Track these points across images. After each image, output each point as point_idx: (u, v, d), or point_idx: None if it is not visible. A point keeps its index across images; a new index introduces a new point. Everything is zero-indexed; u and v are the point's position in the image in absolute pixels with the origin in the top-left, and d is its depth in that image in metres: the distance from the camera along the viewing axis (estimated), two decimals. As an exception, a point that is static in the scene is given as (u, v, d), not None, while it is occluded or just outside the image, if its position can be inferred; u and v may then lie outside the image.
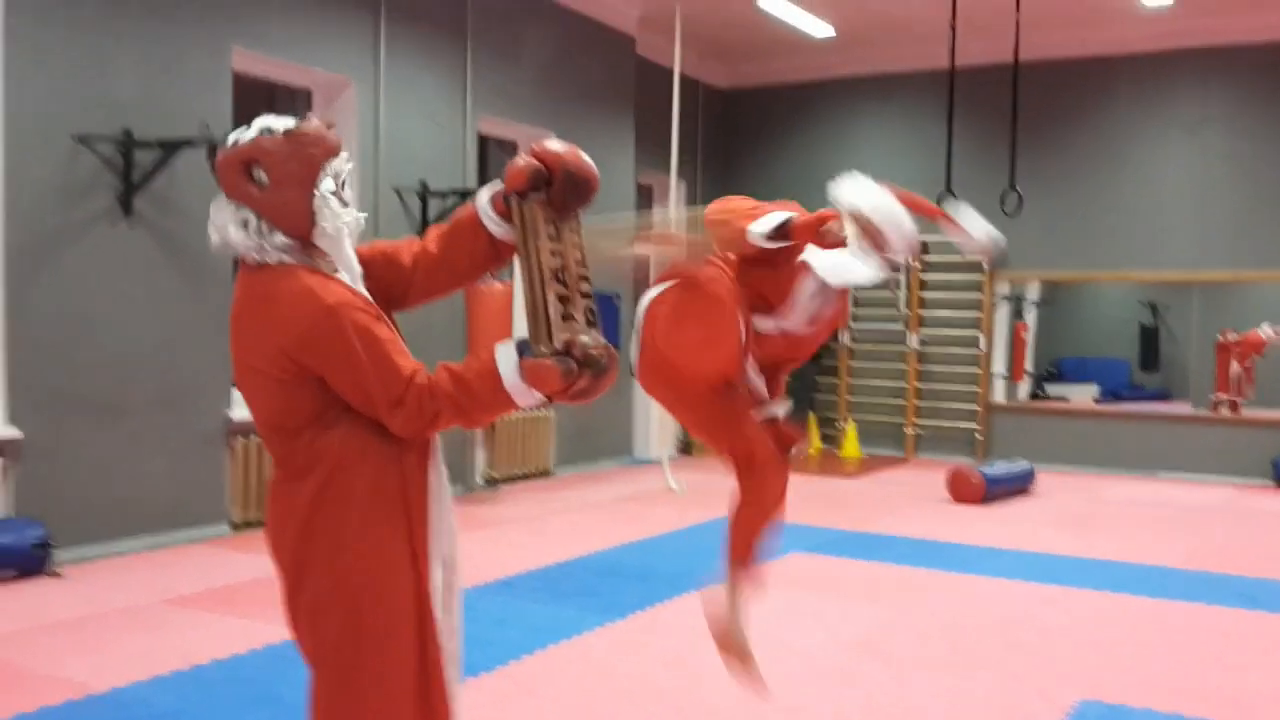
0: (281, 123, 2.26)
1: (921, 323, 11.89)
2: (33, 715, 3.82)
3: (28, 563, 5.61)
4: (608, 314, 10.73)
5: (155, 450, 6.55)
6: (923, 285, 11.88)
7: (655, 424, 10.63)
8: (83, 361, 6.18)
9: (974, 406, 11.63)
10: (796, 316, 3.35)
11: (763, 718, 3.97)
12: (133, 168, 6.33)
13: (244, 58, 7.16)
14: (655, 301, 3.35)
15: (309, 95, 8.03)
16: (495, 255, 2.45)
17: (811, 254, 3.32)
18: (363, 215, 2.35)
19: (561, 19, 9.83)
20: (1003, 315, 12.05)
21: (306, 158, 2.23)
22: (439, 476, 2.41)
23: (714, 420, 3.36)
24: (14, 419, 5.85)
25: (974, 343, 11.63)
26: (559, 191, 2.32)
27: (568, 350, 2.20)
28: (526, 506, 8.34)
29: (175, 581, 5.74)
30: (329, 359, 2.17)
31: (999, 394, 11.94)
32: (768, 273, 3.34)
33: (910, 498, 9.14)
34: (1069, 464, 11.08)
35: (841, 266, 3.25)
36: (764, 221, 3.27)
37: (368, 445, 2.24)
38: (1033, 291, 12.76)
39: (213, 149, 6.16)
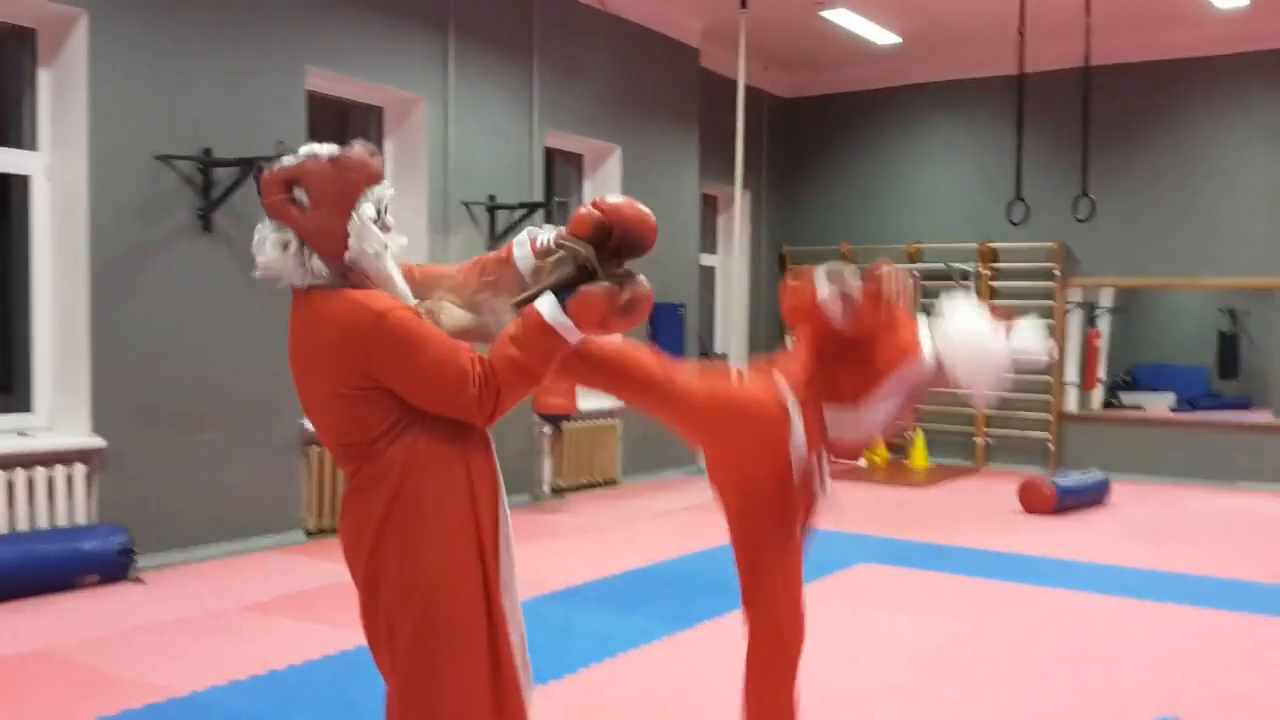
0: (327, 149, 2.34)
1: (991, 331, 11.72)
2: (115, 718, 3.94)
3: (111, 569, 5.78)
4: (673, 322, 10.74)
5: (234, 459, 6.72)
6: (993, 293, 11.73)
7: (721, 434, 10.60)
8: (164, 373, 6.37)
9: (1046, 415, 11.45)
10: (878, 413, 3.10)
11: (831, 729, 3.96)
12: (212, 186, 6.52)
13: (318, 78, 7.34)
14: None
15: (380, 113, 8.19)
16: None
17: (924, 335, 3.15)
18: (404, 240, 2.42)
19: (625, 33, 9.91)
20: (1075, 322, 11.86)
21: (347, 181, 2.29)
22: (499, 478, 2.47)
23: (752, 554, 3.22)
24: (98, 429, 6.05)
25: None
26: (616, 246, 2.39)
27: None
28: (593, 515, 8.40)
29: (253, 588, 5.88)
30: (392, 362, 2.23)
31: (1071, 403, 11.74)
32: (847, 364, 3.13)
33: (980, 508, 9.03)
34: (1144, 474, 10.86)
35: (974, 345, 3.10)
36: (829, 285, 3.09)
37: (434, 450, 2.30)
38: (1106, 298, 12.53)
39: (259, 170, 6.34)
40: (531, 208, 8.62)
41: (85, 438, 6.00)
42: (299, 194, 2.28)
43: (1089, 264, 11.33)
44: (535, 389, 2.36)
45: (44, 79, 6.14)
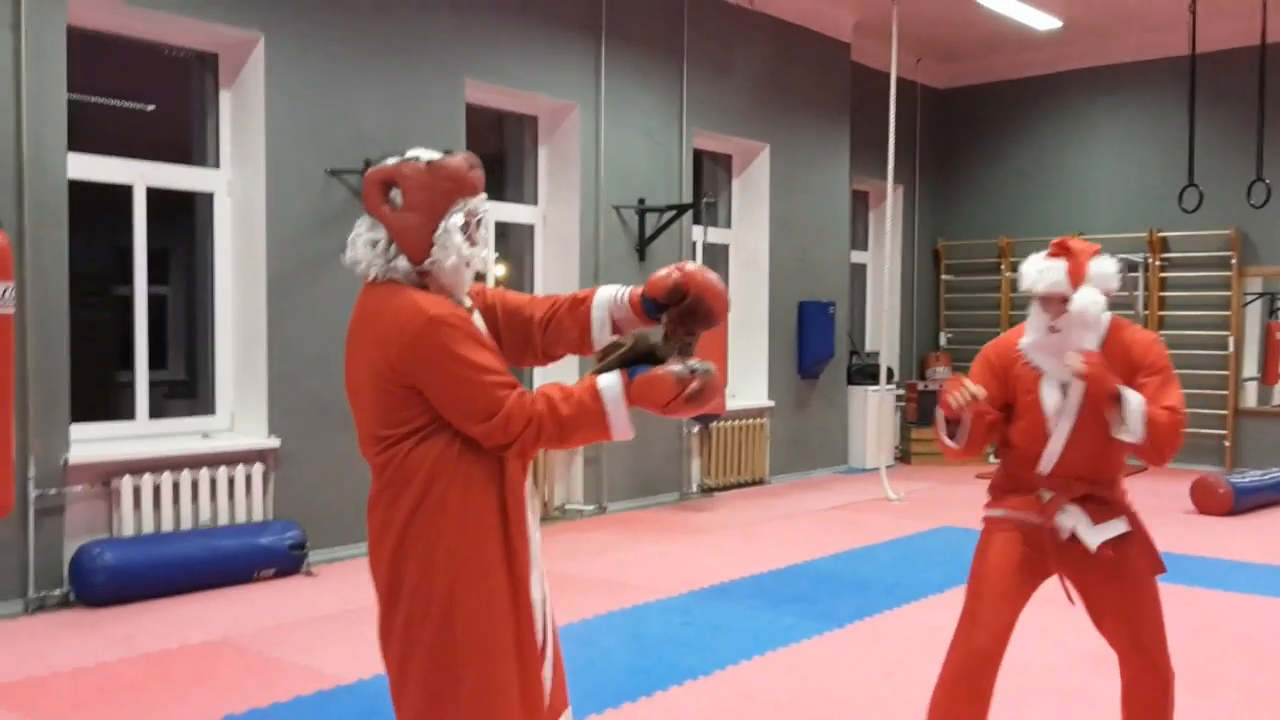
0: (429, 154, 2.39)
1: (1161, 324, 11.24)
2: (287, 704, 4.19)
3: (285, 562, 6.13)
4: (823, 321, 10.69)
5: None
6: (1163, 285, 11.24)
7: (872, 432, 10.51)
8: (335, 377, 6.65)
9: (1221, 411, 10.89)
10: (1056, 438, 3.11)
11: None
12: (377, 197, 6.81)
13: (476, 89, 7.60)
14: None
15: (535, 122, 8.41)
16: (586, 348, 2.53)
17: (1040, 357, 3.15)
18: (487, 255, 2.43)
19: (775, 30, 9.89)
20: (1254, 314, 11.23)
21: (440, 189, 2.33)
22: (531, 493, 2.48)
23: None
24: (274, 430, 6.42)
25: (1221, 344, 10.90)
26: (687, 310, 2.39)
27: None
28: (742, 513, 8.43)
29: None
30: (426, 368, 2.25)
31: (1250, 398, 11.13)
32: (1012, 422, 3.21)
33: (1151, 508, 8.56)
34: (1333, 474, 10.21)
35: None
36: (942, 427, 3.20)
37: (464, 458, 2.30)
38: (1288, 288, 11.83)
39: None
40: (680, 209, 8.71)
41: (262, 439, 6.38)
42: (394, 194, 2.36)
43: (1268, 252, 10.72)
44: (576, 446, 2.38)
45: (225, 100, 6.56)
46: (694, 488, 9.29)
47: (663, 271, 2.41)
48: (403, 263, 2.35)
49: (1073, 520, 3.07)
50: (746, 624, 5.31)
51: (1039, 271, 3.10)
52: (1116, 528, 3.08)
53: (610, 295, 2.49)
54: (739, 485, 9.65)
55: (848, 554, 6.97)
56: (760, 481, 9.92)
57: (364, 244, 2.37)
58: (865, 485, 9.78)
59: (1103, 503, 3.10)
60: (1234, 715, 4.11)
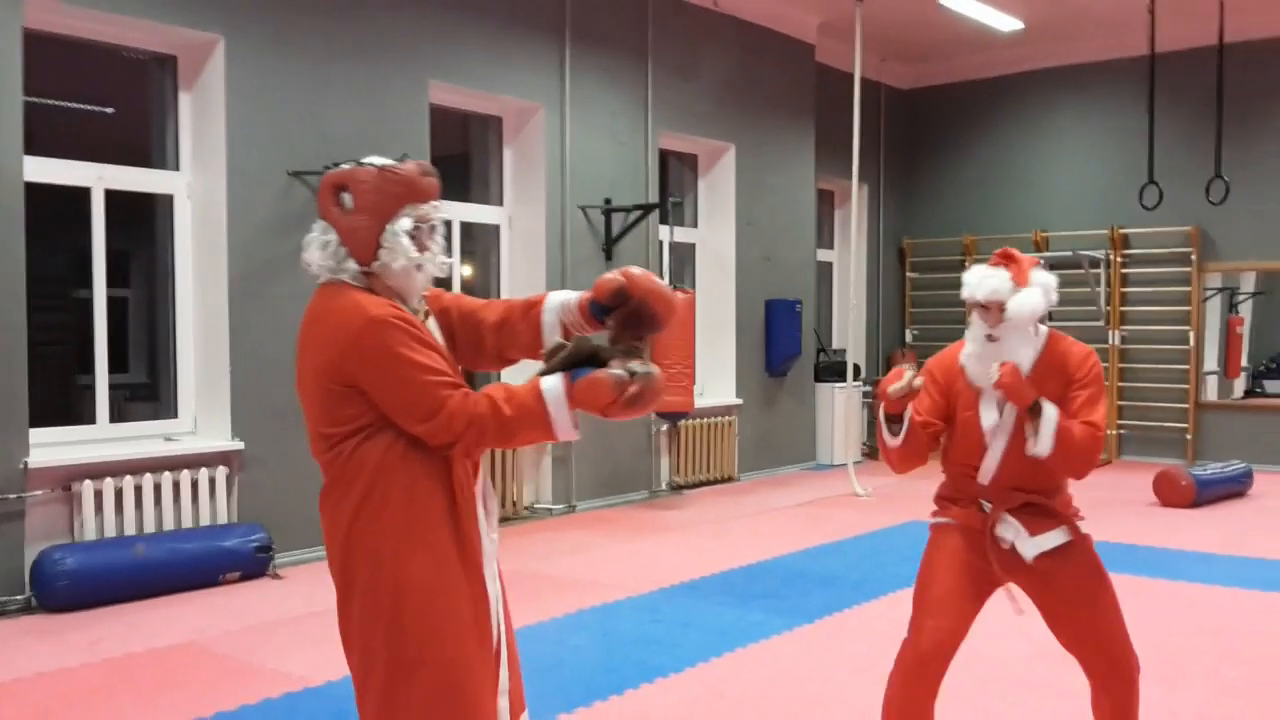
0: (383, 160, 2.44)
1: (1123, 320, 11.37)
2: (255, 706, 4.15)
3: (251, 565, 6.08)
4: (790, 319, 10.74)
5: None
6: (1124, 281, 11.36)
7: (840, 429, 10.56)
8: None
9: (1183, 405, 11.03)
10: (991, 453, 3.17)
11: (951, 723, 3.92)
12: (339, 198, 6.77)
13: (440, 90, 7.57)
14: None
15: (500, 123, 8.39)
16: (538, 352, 2.56)
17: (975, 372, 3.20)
18: (445, 261, 2.50)
19: (740, 31, 9.92)
20: (1214, 309, 11.38)
21: (388, 193, 2.38)
22: (486, 488, 2.52)
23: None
24: (238, 433, 6.36)
25: (1182, 339, 11.04)
26: (630, 313, 2.45)
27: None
28: (711, 511, 8.44)
29: (384, 584, 6.09)
30: (367, 367, 2.30)
31: (1210, 392, 11.28)
32: (950, 440, 3.27)
33: (1115, 501, 8.76)
34: (1291, 466, 10.39)
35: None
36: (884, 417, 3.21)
37: (409, 456, 2.34)
38: (1248, 283, 11.99)
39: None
40: (646, 209, 8.72)
41: (226, 441, 6.32)
42: (345, 197, 2.40)
43: (1228, 248, 10.87)
44: (520, 446, 2.39)
45: (185, 102, 6.50)
46: (663, 485, 9.30)
47: (608, 275, 2.47)
48: (351, 264, 2.40)
49: (1011, 532, 3.12)
50: (716, 621, 5.31)
51: (980, 279, 3.15)
52: (1055, 539, 3.11)
53: (561, 300, 2.55)
54: (708, 483, 9.67)
55: (816, 550, 7.00)
56: (729, 479, 9.94)
57: (316, 246, 2.43)
58: (833, 481, 9.82)
59: (1043, 512, 3.14)
60: (1201, 707, 4.15)
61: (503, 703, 2.48)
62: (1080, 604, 3.11)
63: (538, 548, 7.04)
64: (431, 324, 2.50)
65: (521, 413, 2.33)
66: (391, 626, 2.33)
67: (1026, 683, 4.39)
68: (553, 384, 2.36)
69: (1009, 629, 4.68)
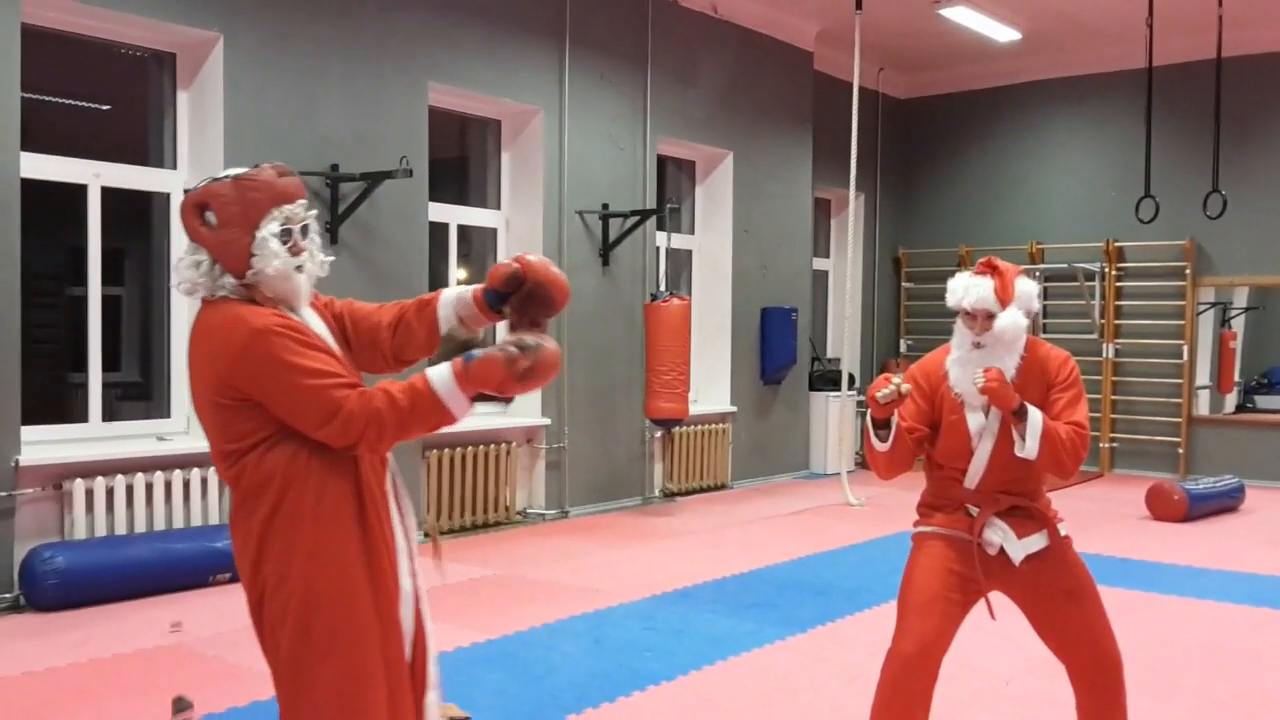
0: (236, 171, 2.43)
1: (1117, 333, 11.39)
2: (244, 709, 4.13)
3: (245, 567, 6.04)
4: (786, 327, 10.72)
5: (357, 463, 6.95)
6: (1119, 294, 11.38)
7: (834, 438, 10.56)
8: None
9: (1176, 419, 11.05)
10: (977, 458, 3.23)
11: (944, 735, 3.91)
12: (339, 199, 6.77)
13: (439, 92, 7.56)
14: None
15: (498, 126, 8.38)
16: (433, 350, 2.58)
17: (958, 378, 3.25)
18: (324, 261, 2.49)
19: (739, 38, 9.92)
20: (1207, 323, 11.40)
21: (249, 200, 2.37)
22: (395, 488, 2.55)
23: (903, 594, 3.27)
24: (233, 433, 6.33)
25: (1176, 353, 11.06)
26: (526, 298, 2.49)
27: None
28: (704, 519, 8.43)
29: (376, 587, 6.07)
30: (258, 380, 2.29)
31: (1203, 406, 11.30)
32: (938, 443, 3.30)
33: (1106, 514, 8.77)
34: (1283, 481, 10.41)
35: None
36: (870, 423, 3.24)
37: (313, 462, 2.35)
38: (1240, 298, 12.02)
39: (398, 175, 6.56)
40: (643, 215, 8.71)
41: (220, 441, 6.28)
42: (208, 215, 2.38)
43: (1222, 262, 10.90)
44: (417, 436, 2.39)
45: (183, 100, 6.48)
46: (656, 492, 9.29)
47: (503, 262, 2.51)
48: (228, 279, 2.39)
49: (999, 536, 3.17)
50: (709, 629, 5.30)
51: (966, 288, 3.19)
52: (1040, 541, 3.20)
53: (456, 294, 2.57)
54: (701, 490, 9.66)
55: (810, 559, 6.99)
56: (722, 486, 9.93)
57: (187, 267, 2.41)
58: (827, 490, 9.82)
59: (1028, 515, 3.21)
60: None
61: (433, 696, 2.51)
62: (1066, 603, 3.17)
63: (530, 553, 7.02)
64: (323, 329, 2.49)
65: (415, 400, 2.32)
66: (295, 637, 2.35)
67: (1019, 695, 4.38)
68: (440, 369, 2.36)
69: (1001, 641, 4.68)
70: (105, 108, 7.43)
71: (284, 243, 2.39)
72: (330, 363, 2.35)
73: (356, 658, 2.36)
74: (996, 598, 3.29)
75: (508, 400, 2.44)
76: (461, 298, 2.56)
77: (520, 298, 2.49)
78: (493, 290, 2.51)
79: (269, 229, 2.37)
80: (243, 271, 2.37)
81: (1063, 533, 3.24)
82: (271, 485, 2.34)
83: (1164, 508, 8.54)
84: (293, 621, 2.34)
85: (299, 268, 2.42)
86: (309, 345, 2.34)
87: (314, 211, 2.51)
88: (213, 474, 6.21)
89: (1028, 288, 3.20)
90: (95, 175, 6.14)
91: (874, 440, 3.20)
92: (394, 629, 2.44)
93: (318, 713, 2.35)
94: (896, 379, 3.07)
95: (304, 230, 2.45)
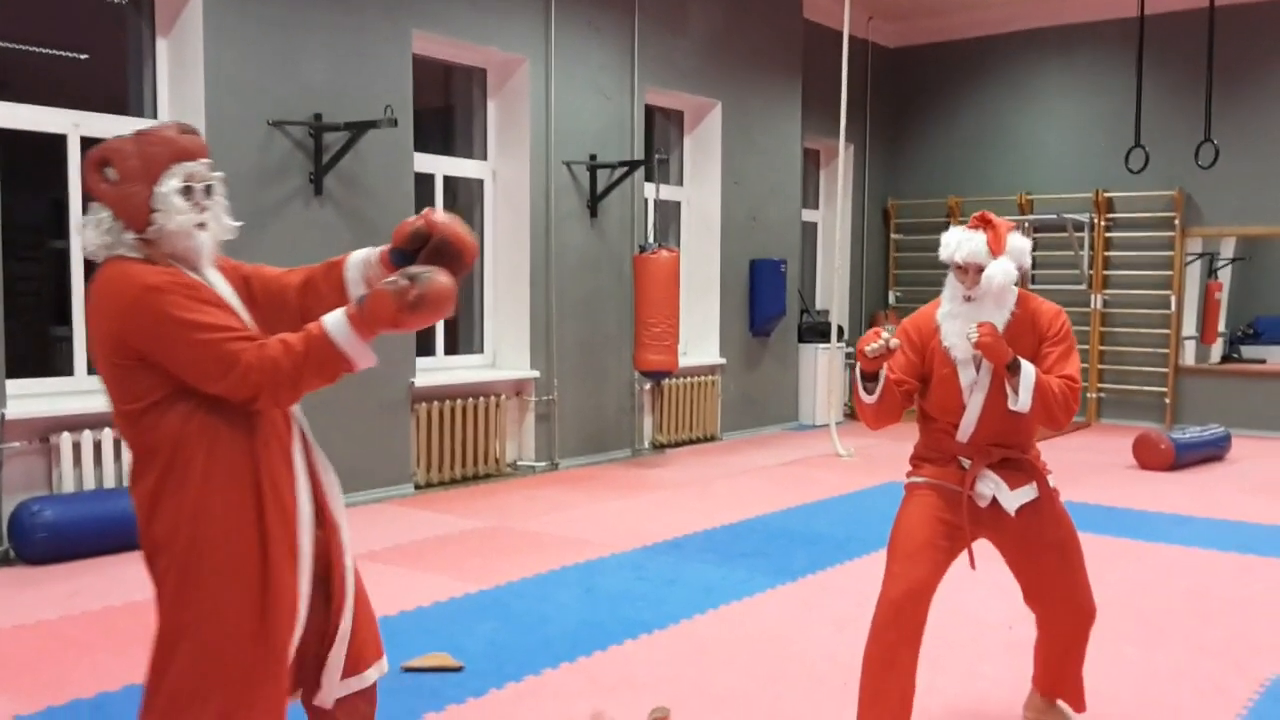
0: (140, 126, 2.41)
1: (1106, 283, 11.39)
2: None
3: (235, 520, 6.02)
4: (775, 279, 10.69)
5: (347, 415, 6.93)
6: (1108, 245, 11.37)
7: (822, 390, 10.57)
8: (280, 333, 6.57)
9: (1163, 370, 11.09)
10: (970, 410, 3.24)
11: (940, 684, 3.94)
12: (323, 150, 6.68)
13: (423, 40, 7.44)
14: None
15: (484, 75, 8.27)
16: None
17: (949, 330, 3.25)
18: (229, 222, 2.47)
19: (726, -15, 9.80)
20: (1194, 274, 11.42)
21: (148, 157, 2.35)
22: (301, 447, 2.53)
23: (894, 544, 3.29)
24: (220, 387, 6.29)
25: (1164, 303, 11.07)
26: (432, 254, 2.50)
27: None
28: (694, 470, 8.44)
29: (365, 538, 6.07)
30: (151, 338, 2.27)
31: (1189, 356, 11.34)
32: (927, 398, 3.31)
33: (1094, 464, 8.82)
34: (1267, 429, 10.48)
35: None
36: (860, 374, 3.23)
37: (209, 423, 2.34)
38: (1227, 248, 12.03)
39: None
40: (632, 166, 8.64)
41: (207, 394, 6.24)
42: (109, 171, 2.36)
43: (1210, 213, 10.88)
44: (320, 386, 2.38)
45: (162, 48, 6.36)
46: (646, 444, 9.30)
47: (408, 220, 2.51)
48: (128, 236, 2.37)
49: (991, 487, 3.22)
50: (700, 578, 5.32)
51: (958, 242, 3.20)
52: (1030, 493, 3.25)
53: (363, 256, 2.57)
54: (690, 442, 9.67)
55: (799, 509, 7.01)
56: (712, 438, 9.94)
57: (90, 227, 2.39)
58: (815, 441, 9.84)
59: (1018, 467, 3.26)
60: (1179, 668, 4.18)
61: (339, 651, 2.54)
62: (1052, 555, 3.25)
63: (520, 505, 7.02)
64: (227, 289, 2.47)
65: (311, 346, 2.31)
66: (175, 593, 2.35)
67: (1011, 643, 4.41)
68: (334, 314, 2.35)
69: (993, 590, 4.72)
70: (83, 56, 7.30)
71: (185, 200, 2.37)
72: (225, 317, 2.34)
73: (234, 617, 2.35)
74: (979, 545, 3.33)
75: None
76: (369, 259, 2.57)
77: (426, 255, 2.50)
78: (398, 249, 2.52)
79: (169, 184, 2.35)
80: (143, 226, 2.35)
81: (1051, 484, 3.30)
82: (165, 445, 2.33)
83: (1151, 457, 8.59)
84: (175, 578, 2.35)
85: (201, 225, 2.40)
86: (202, 301, 2.32)
87: (219, 173, 2.50)
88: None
89: (1020, 243, 3.21)
90: (75, 125, 6.03)
91: (862, 393, 3.22)
92: (283, 591, 2.42)
93: (187, 671, 2.35)
94: (886, 333, 3.08)
95: (208, 190, 2.44)
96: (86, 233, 2.39)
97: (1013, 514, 3.21)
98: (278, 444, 2.45)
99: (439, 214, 2.54)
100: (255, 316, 2.52)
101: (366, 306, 2.32)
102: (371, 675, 2.64)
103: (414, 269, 2.36)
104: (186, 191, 2.37)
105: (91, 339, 2.40)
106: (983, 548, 3.33)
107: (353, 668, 2.58)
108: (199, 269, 2.42)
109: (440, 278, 2.35)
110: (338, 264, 2.59)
